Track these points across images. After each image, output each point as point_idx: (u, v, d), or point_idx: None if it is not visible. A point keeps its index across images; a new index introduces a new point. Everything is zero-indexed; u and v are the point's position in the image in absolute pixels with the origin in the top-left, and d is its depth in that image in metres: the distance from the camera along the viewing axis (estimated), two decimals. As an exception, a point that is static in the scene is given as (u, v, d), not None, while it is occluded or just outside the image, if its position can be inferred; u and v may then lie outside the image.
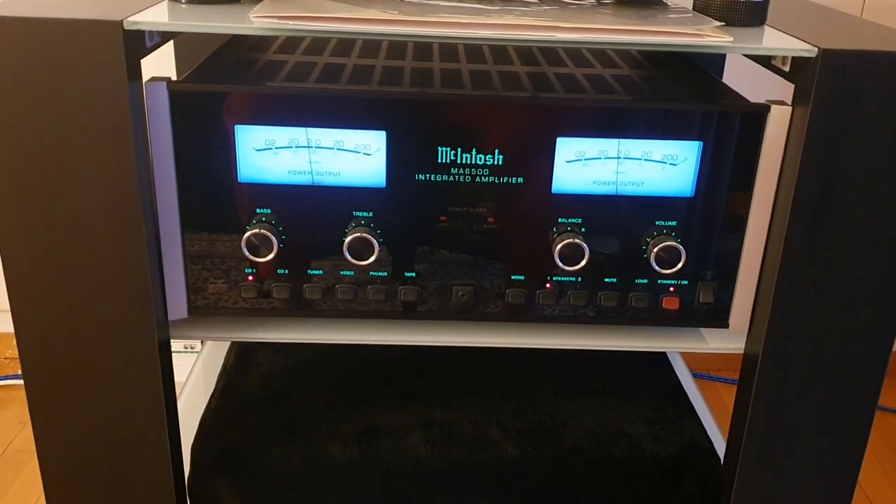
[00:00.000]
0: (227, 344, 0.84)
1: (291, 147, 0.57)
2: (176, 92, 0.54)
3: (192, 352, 1.48)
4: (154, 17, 0.51)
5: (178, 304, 0.60)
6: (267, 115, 0.55)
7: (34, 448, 1.27)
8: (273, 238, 0.57)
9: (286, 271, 0.59)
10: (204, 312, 0.60)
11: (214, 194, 0.57)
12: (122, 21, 0.49)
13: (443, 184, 0.57)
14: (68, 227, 0.53)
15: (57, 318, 0.56)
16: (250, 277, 0.59)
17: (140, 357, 0.57)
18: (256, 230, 0.57)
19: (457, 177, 0.57)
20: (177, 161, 0.56)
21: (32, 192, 0.52)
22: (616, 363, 0.80)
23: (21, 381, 1.43)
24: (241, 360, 0.78)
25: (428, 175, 0.57)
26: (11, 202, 0.53)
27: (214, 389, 0.75)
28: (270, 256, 0.58)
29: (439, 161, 0.57)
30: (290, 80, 0.60)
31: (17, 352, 1.47)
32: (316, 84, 0.59)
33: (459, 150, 0.57)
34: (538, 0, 0.64)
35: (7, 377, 1.46)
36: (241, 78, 0.61)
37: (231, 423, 0.70)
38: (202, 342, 1.09)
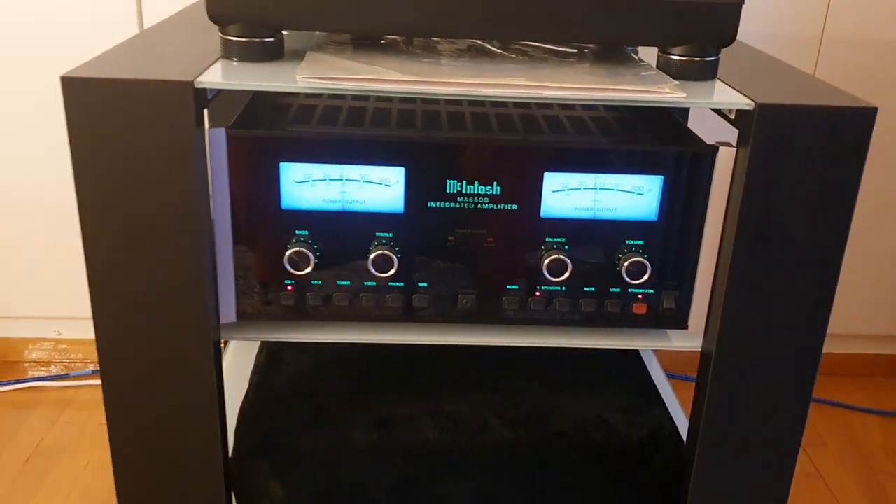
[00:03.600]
0: (254, 345, 0.96)
1: (325, 180, 0.69)
2: (232, 136, 0.66)
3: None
4: (216, 77, 0.63)
5: (228, 310, 0.71)
6: (306, 154, 0.67)
7: (64, 445, 1.39)
8: (310, 255, 0.69)
9: (319, 282, 0.71)
10: (249, 317, 0.72)
11: (261, 219, 0.69)
12: (193, 81, 0.61)
13: (450, 210, 0.70)
14: (144, 244, 0.65)
15: (131, 320, 0.68)
16: (289, 287, 0.71)
17: (198, 355, 0.69)
18: (296, 248, 0.69)
19: (462, 204, 0.69)
20: (231, 191, 0.67)
21: (115, 216, 0.64)
22: (595, 361, 0.92)
23: (49, 383, 1.54)
24: (271, 358, 0.90)
25: (438, 202, 0.69)
26: (98, 223, 0.64)
27: (249, 385, 0.86)
28: (308, 270, 0.69)
29: (447, 191, 0.69)
30: (322, 123, 0.72)
31: (46, 355, 1.58)
32: (345, 129, 0.71)
33: (464, 182, 0.69)
34: (530, 49, 0.76)
35: (36, 379, 1.57)
36: (281, 122, 0.73)
37: (267, 413, 0.82)
38: (224, 343, 1.20)
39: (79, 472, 1.33)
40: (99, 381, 1.50)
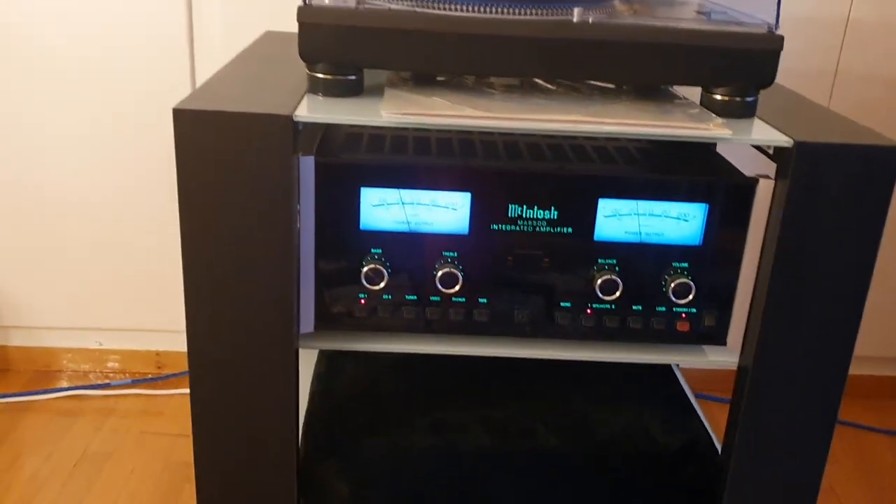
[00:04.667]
0: (313, 353, 1.02)
1: (399, 203, 0.75)
2: (320, 163, 0.73)
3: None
4: (310, 111, 0.70)
5: (307, 321, 0.78)
6: (383, 180, 0.74)
7: (109, 452, 1.45)
8: (384, 271, 0.76)
9: (390, 296, 0.78)
10: (325, 327, 0.79)
11: (341, 238, 0.76)
12: (291, 115, 0.68)
13: (511, 232, 0.76)
14: (238, 260, 0.72)
15: (221, 329, 0.74)
16: (362, 301, 0.78)
17: (280, 361, 0.76)
18: (372, 265, 0.76)
19: (522, 227, 0.76)
20: (316, 212, 0.74)
21: (214, 235, 0.71)
22: (632, 375, 0.99)
23: (91, 392, 1.61)
24: (330, 367, 0.96)
25: (500, 225, 0.76)
26: (197, 240, 0.71)
27: (313, 392, 0.93)
28: (381, 285, 0.76)
29: (509, 215, 0.76)
30: (392, 152, 0.79)
31: (87, 366, 1.64)
32: (417, 157, 0.78)
33: (524, 206, 0.76)
34: (579, 85, 0.83)
35: (79, 388, 1.63)
36: (358, 150, 0.80)
37: (331, 418, 0.88)
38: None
39: (125, 478, 1.39)
40: (139, 391, 1.57)
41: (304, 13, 0.71)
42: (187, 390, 1.61)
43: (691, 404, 0.96)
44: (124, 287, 1.63)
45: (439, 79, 0.85)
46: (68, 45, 1.46)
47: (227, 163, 0.69)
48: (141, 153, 1.53)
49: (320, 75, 0.75)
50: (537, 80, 0.85)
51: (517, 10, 0.74)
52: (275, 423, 0.78)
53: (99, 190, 1.56)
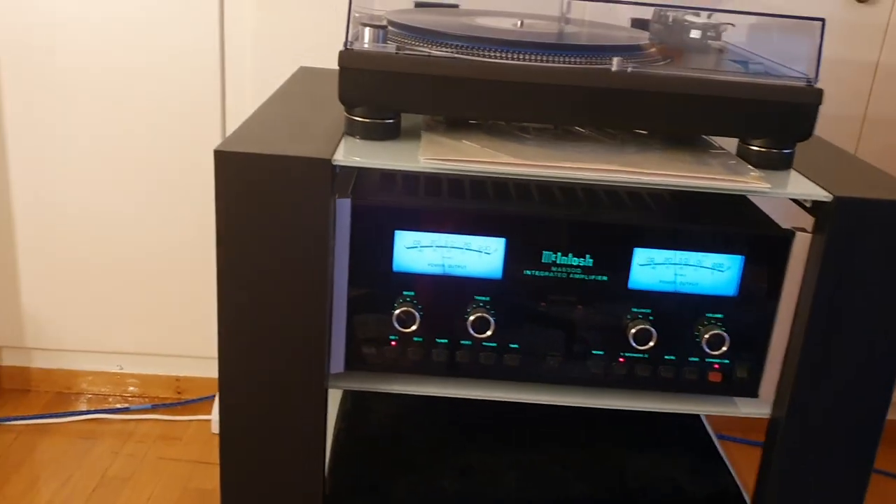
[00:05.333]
0: (334, 393, 1.02)
1: (432, 246, 0.76)
2: (356, 206, 0.73)
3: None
4: (348, 155, 0.71)
5: (338, 361, 0.78)
6: (418, 223, 0.74)
7: (127, 476, 1.44)
8: (416, 314, 0.76)
9: (421, 339, 0.78)
10: (355, 368, 0.78)
11: (374, 279, 0.76)
12: (330, 159, 0.68)
13: (545, 278, 0.76)
14: (273, 299, 0.72)
15: (253, 366, 0.74)
16: (393, 343, 0.78)
17: (310, 401, 0.75)
18: (404, 308, 0.75)
19: (556, 273, 0.76)
20: (350, 253, 0.74)
21: (250, 273, 0.71)
22: (660, 421, 0.98)
23: (111, 416, 1.61)
24: (356, 406, 0.96)
25: (534, 271, 0.76)
26: (233, 278, 0.71)
27: (338, 430, 0.92)
28: (413, 328, 0.76)
29: (543, 261, 0.76)
30: (426, 193, 0.79)
31: (108, 388, 1.64)
32: (452, 201, 0.78)
33: (559, 253, 0.75)
34: (605, 133, 0.83)
35: (99, 411, 1.63)
36: (392, 190, 0.80)
37: (358, 458, 0.88)
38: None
39: (143, 503, 1.39)
40: (158, 416, 1.56)
41: (345, 58, 0.71)
42: (206, 416, 1.61)
43: (718, 452, 0.95)
44: (146, 312, 1.64)
45: (472, 121, 0.85)
46: (98, 69, 1.48)
47: (265, 203, 0.69)
48: (168, 180, 1.55)
49: (358, 118, 0.75)
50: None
51: (556, 59, 0.75)
52: (302, 463, 0.77)
53: (125, 215, 1.57)
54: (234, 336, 0.74)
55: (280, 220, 0.70)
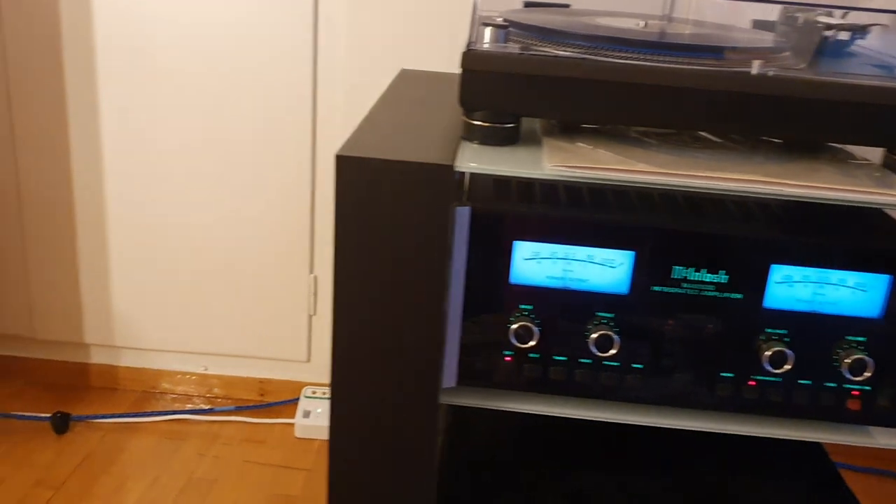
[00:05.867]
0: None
1: (552, 258, 0.72)
2: (476, 214, 0.70)
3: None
4: (472, 162, 0.67)
5: (450, 375, 0.75)
6: (539, 234, 0.71)
7: (213, 479, 1.44)
8: (534, 329, 0.72)
9: (538, 355, 0.74)
10: (467, 383, 0.75)
11: (491, 291, 0.72)
12: (452, 165, 0.65)
13: (674, 295, 0.72)
14: (389, 308, 0.69)
15: (366, 378, 0.71)
16: (508, 358, 0.74)
17: (422, 416, 0.72)
18: (522, 322, 0.72)
19: (686, 290, 0.71)
20: (467, 264, 0.71)
21: (367, 282, 0.68)
22: (779, 449, 0.92)
23: (198, 417, 1.61)
24: (458, 421, 0.93)
25: (663, 287, 0.71)
26: (350, 285, 0.69)
27: (440, 447, 0.89)
28: (531, 344, 0.72)
29: (673, 276, 0.71)
30: (543, 201, 0.76)
31: (192, 389, 1.65)
32: (579, 211, 0.74)
33: (691, 269, 0.71)
34: (737, 137, 0.78)
35: (185, 412, 1.64)
36: (507, 198, 0.76)
37: (460, 476, 0.84)
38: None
39: (229, 507, 1.39)
40: (242, 418, 1.56)
41: (469, 60, 0.68)
42: (290, 420, 1.60)
43: (843, 483, 0.89)
44: (231, 314, 1.64)
45: (585, 125, 0.81)
46: (191, 72, 1.48)
47: (384, 210, 0.66)
48: (257, 183, 1.54)
49: (478, 122, 0.72)
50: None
51: (691, 61, 0.70)
52: (413, 480, 0.74)
53: (214, 218, 1.57)
54: (348, 345, 0.71)
55: (400, 228, 0.67)
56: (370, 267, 0.68)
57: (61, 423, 1.53)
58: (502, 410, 0.77)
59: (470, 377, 0.75)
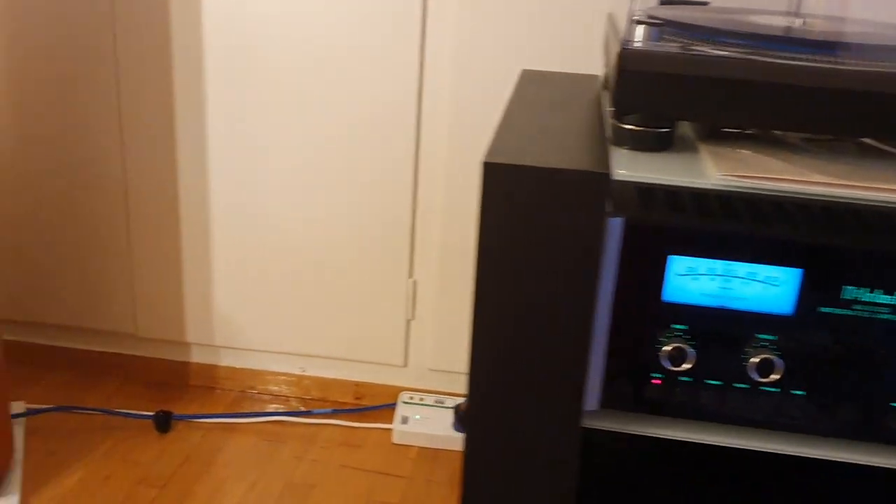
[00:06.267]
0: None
1: (709, 274, 0.66)
2: (630, 225, 0.65)
3: (442, 406, 1.61)
4: (628, 169, 0.62)
5: (592, 397, 0.70)
6: (696, 248, 0.65)
7: (312, 483, 1.42)
8: (688, 351, 0.66)
9: (690, 379, 0.68)
10: (610, 406, 0.70)
11: (641, 309, 0.67)
12: (608, 173, 0.60)
13: (844, 317, 0.65)
14: (530, 321, 0.65)
15: (504, 391, 0.67)
16: (656, 381, 0.69)
17: (563, 438, 0.68)
18: (675, 344, 0.66)
19: (858, 312, 0.65)
20: (616, 279, 0.66)
21: (509, 292, 0.64)
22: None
23: (295, 419, 1.60)
24: (590, 443, 0.88)
25: (831, 308, 0.65)
26: (491, 295, 0.65)
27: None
28: (684, 367, 0.67)
29: (843, 297, 0.65)
30: (697, 212, 0.70)
31: (288, 390, 1.64)
32: (739, 224, 0.68)
33: (865, 289, 0.64)
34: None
35: (282, 413, 1.63)
36: (658, 209, 0.71)
37: (597, 502, 0.79)
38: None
39: (329, 513, 1.37)
40: (339, 422, 1.54)
41: (627, 60, 0.63)
42: (387, 425, 1.58)
43: None
44: (329, 316, 1.62)
45: (735, 130, 0.75)
46: (296, 72, 1.46)
47: (533, 220, 0.62)
48: (359, 186, 1.52)
49: (629, 126, 0.67)
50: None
51: (863, 62, 0.64)
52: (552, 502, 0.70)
53: (315, 221, 1.56)
54: (487, 361, 0.67)
55: (548, 238, 0.62)
56: (514, 279, 0.64)
57: (164, 422, 1.54)
58: (641, 435, 0.71)
59: (613, 400, 0.70)
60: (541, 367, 0.66)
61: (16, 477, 1.34)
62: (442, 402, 1.62)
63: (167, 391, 1.67)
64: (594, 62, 1.37)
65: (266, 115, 1.50)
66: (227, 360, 1.70)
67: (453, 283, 1.57)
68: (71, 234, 1.62)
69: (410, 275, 1.59)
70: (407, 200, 1.53)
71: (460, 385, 1.65)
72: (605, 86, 0.95)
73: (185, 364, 1.70)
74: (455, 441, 1.54)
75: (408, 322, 1.62)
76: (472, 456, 0.70)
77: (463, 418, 1.51)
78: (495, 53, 1.42)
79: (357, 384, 1.68)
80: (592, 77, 1.04)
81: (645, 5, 0.91)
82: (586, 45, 1.38)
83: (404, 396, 1.63)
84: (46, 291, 1.67)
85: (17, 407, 1.53)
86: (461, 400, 1.59)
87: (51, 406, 1.57)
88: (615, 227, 0.65)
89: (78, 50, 1.50)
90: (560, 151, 0.66)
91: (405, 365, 1.66)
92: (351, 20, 1.43)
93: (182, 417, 1.58)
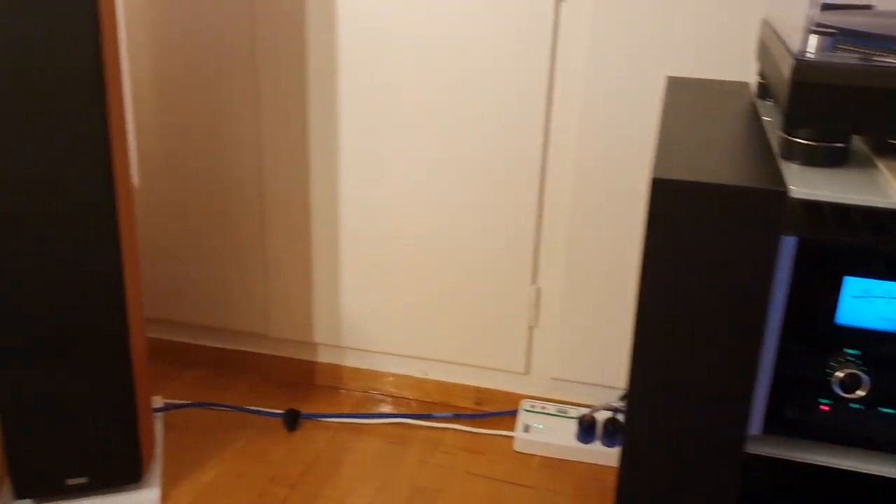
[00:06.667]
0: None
1: (886, 297, 0.62)
2: (804, 245, 0.62)
3: (565, 416, 1.59)
4: (809, 188, 0.60)
5: (755, 422, 0.67)
6: (873, 269, 0.62)
7: (438, 488, 1.43)
8: (863, 377, 0.63)
9: (861, 406, 0.65)
10: (774, 432, 0.67)
11: (812, 332, 0.64)
12: (785, 191, 0.58)
13: None
14: (694, 339, 0.63)
15: (663, 412, 0.66)
16: (824, 407, 0.66)
17: (724, 462, 0.65)
18: (849, 370, 0.63)
19: None
20: (788, 300, 0.63)
21: (674, 309, 0.62)
22: None
23: (418, 422, 1.61)
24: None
25: None
26: (655, 311, 0.63)
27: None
28: (858, 394, 0.63)
29: None
30: (870, 231, 0.66)
31: (410, 392, 1.65)
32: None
33: None
34: None
35: (407, 416, 1.64)
36: (827, 228, 0.68)
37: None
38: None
39: (454, 519, 1.37)
40: (460, 427, 1.54)
41: (802, 72, 0.60)
42: (508, 432, 1.57)
43: None
44: (452, 321, 1.63)
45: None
46: (425, 83, 1.48)
47: (702, 237, 0.60)
48: (485, 193, 1.52)
49: (802, 140, 0.64)
50: None
51: None
52: (705, 533, 0.68)
53: (441, 227, 1.57)
54: (647, 379, 0.65)
55: (717, 256, 0.60)
56: (679, 297, 0.62)
57: (292, 421, 1.58)
58: (806, 462, 0.68)
59: (778, 425, 0.67)
60: (704, 389, 0.64)
61: (157, 470, 1.41)
62: (565, 412, 1.60)
63: (295, 390, 1.72)
64: (735, 67, 1.33)
65: (393, 125, 1.52)
66: (351, 361, 1.73)
67: (578, 290, 1.55)
68: (210, 238, 1.69)
69: (534, 281, 1.58)
70: (532, 207, 1.52)
71: (583, 395, 1.63)
72: (761, 94, 0.92)
73: (312, 364, 1.74)
74: (579, 452, 1.52)
75: (530, 329, 1.61)
76: (629, 476, 0.69)
77: (613, 433, 1.49)
78: (628, 56, 1.39)
79: (478, 389, 1.68)
80: (741, 84, 1.00)
81: (799, 10, 0.87)
82: (728, 50, 1.33)
83: (526, 404, 1.62)
84: (187, 292, 1.74)
85: (156, 402, 1.60)
86: (585, 410, 1.57)
87: (188, 402, 1.64)
88: (788, 247, 0.62)
89: (219, 64, 1.56)
90: (729, 166, 0.64)
91: (527, 372, 1.65)
92: (480, 23, 1.43)
93: (310, 417, 1.62)
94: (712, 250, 0.60)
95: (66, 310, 1.20)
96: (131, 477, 1.32)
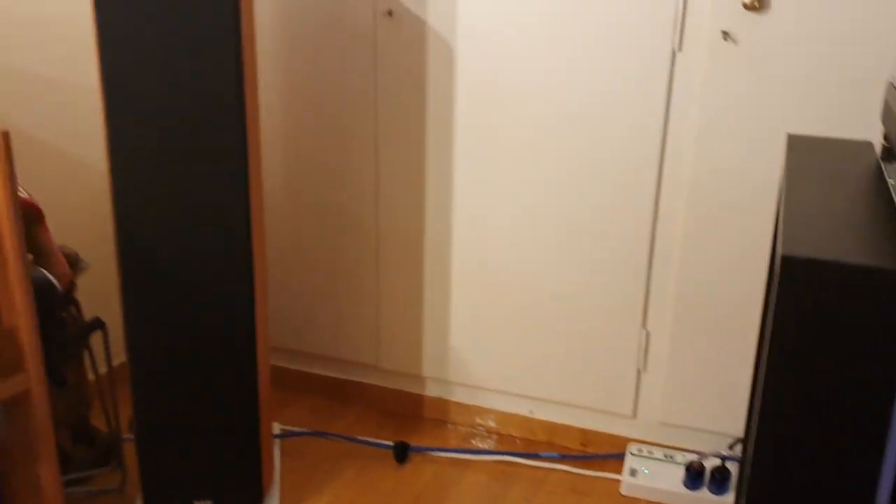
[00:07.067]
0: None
1: None
2: (936, 323, 0.62)
3: (672, 462, 1.57)
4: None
5: (884, 494, 0.67)
6: None
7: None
8: None
9: None
10: (901, 506, 0.67)
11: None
12: (921, 270, 0.58)
13: None
14: (820, 422, 0.63)
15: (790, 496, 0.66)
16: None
17: None
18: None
19: None
20: (917, 378, 0.63)
21: (806, 402, 0.63)
22: None
23: (524, 460, 1.63)
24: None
25: None
26: (785, 408, 0.64)
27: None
28: None
29: None
30: None
31: (516, 431, 1.67)
32: None
33: None
34: None
35: (514, 454, 1.67)
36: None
37: None
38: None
39: (559, 560, 1.39)
40: (566, 467, 1.54)
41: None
42: (615, 475, 1.57)
43: None
44: (559, 361, 1.65)
45: None
46: (537, 129, 1.51)
47: (833, 316, 0.61)
48: (597, 237, 1.54)
49: (935, 217, 0.64)
50: None
51: None
52: None
53: (550, 266, 1.59)
54: (770, 456, 0.66)
55: (850, 337, 0.61)
56: (808, 376, 0.63)
57: (402, 452, 1.62)
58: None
59: (906, 500, 0.67)
60: (829, 472, 0.64)
61: (275, 494, 1.48)
62: (672, 457, 1.59)
63: (402, 421, 1.77)
64: (853, 125, 1.31)
65: (506, 168, 1.56)
66: (458, 396, 1.77)
67: (688, 336, 1.54)
68: (327, 272, 1.76)
69: (644, 325, 1.58)
70: (643, 251, 1.53)
71: (690, 440, 1.61)
72: (885, 157, 0.91)
73: (421, 397, 1.79)
74: (686, 498, 1.51)
75: (638, 372, 1.62)
76: None
77: (722, 481, 1.47)
78: (745, 109, 1.39)
79: (584, 431, 1.69)
80: (865, 144, 1.00)
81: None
82: (848, 108, 1.32)
83: (632, 448, 1.62)
84: (303, 322, 1.82)
85: (275, 428, 1.68)
86: (693, 457, 1.56)
87: (305, 430, 1.71)
88: (919, 325, 0.62)
89: (343, 110, 1.64)
90: (862, 241, 0.64)
91: (634, 416, 1.65)
92: (594, 77, 1.46)
93: (419, 450, 1.66)
94: (845, 331, 0.61)
95: (202, 338, 1.28)
96: (252, 501, 1.39)
